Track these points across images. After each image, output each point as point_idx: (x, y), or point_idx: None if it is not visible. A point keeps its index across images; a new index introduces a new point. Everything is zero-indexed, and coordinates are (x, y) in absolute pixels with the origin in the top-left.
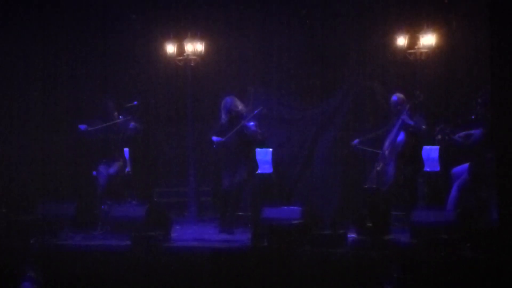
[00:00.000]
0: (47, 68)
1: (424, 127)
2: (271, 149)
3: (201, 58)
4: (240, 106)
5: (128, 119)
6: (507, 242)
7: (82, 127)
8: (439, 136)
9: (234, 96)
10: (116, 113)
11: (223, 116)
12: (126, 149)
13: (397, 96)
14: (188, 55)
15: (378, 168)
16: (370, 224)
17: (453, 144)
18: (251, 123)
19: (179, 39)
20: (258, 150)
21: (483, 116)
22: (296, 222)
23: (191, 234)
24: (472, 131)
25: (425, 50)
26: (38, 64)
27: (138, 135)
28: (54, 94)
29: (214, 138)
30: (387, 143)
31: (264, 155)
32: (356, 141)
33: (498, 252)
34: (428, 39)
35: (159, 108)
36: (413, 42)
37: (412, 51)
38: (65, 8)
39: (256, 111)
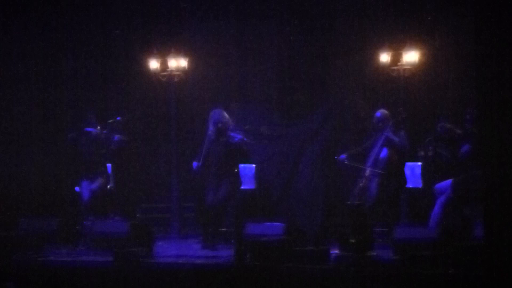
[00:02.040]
0: (31, 85)
1: (407, 144)
2: (254, 165)
3: (184, 74)
4: (227, 118)
5: (112, 131)
6: (492, 259)
7: (89, 129)
8: (422, 153)
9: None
10: (98, 128)
11: (211, 127)
12: (109, 165)
13: (380, 113)
14: (171, 70)
15: (361, 184)
16: (353, 240)
17: (439, 158)
18: (238, 133)
19: (163, 55)
20: (241, 165)
21: (471, 132)
22: (279, 238)
23: (174, 250)
24: (461, 147)
25: (408, 67)
26: (24, 80)
27: (122, 149)
28: (37, 110)
29: (195, 163)
30: (370, 160)
31: (247, 171)
32: (342, 156)
33: (482, 269)
34: (411, 56)
35: (142, 124)
36: (396, 59)
37: (395, 67)
38: (50, 25)
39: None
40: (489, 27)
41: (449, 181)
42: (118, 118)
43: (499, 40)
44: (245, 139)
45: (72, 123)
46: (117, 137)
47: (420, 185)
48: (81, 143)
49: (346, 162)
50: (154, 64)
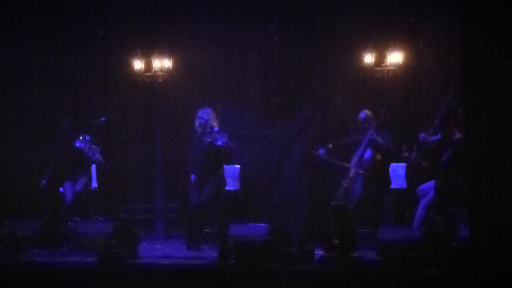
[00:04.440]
0: (14, 86)
1: (391, 144)
2: (238, 166)
3: (168, 74)
4: (209, 116)
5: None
6: (478, 260)
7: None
8: (406, 154)
9: (211, 109)
10: (74, 131)
11: (195, 122)
12: (93, 166)
13: (364, 113)
14: (155, 71)
15: (345, 185)
16: (337, 241)
17: (419, 167)
18: (224, 137)
19: (147, 55)
20: (225, 166)
21: (451, 139)
22: (263, 239)
23: (158, 251)
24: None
25: (392, 68)
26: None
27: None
28: (19, 111)
29: (193, 176)
30: (354, 160)
31: (231, 172)
32: (321, 150)
33: (467, 270)
34: (395, 57)
35: (126, 124)
36: (380, 59)
37: (379, 68)
38: (32, 26)
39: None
40: (475, 28)
41: (432, 183)
42: (102, 119)
43: (485, 40)
44: (230, 143)
45: (53, 128)
46: (98, 157)
47: (404, 186)
48: (65, 148)
49: (324, 157)
50: (138, 64)
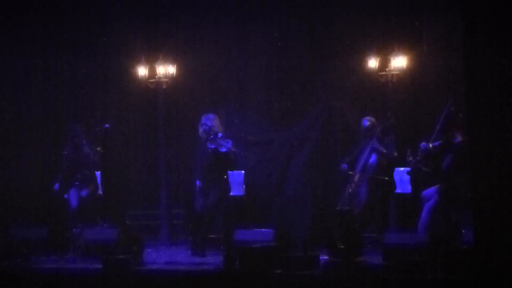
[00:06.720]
0: (16, 91)
1: (395, 153)
2: (243, 171)
3: (172, 81)
4: (213, 123)
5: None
6: (482, 263)
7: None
8: (411, 158)
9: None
10: (83, 137)
11: (199, 128)
12: (98, 172)
13: (367, 121)
14: (159, 77)
15: (350, 190)
16: (342, 246)
17: (420, 173)
18: (228, 143)
19: (151, 62)
20: (230, 172)
21: (451, 145)
22: (268, 244)
23: (163, 257)
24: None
25: (396, 72)
26: (8, 89)
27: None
28: (23, 117)
29: (198, 182)
30: (359, 165)
31: (236, 177)
32: (344, 165)
33: (472, 273)
34: (399, 62)
35: (131, 131)
36: (384, 64)
37: (383, 73)
38: (36, 31)
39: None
40: (478, 32)
41: (436, 187)
42: (107, 126)
43: (488, 45)
44: (234, 149)
45: (57, 134)
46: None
47: (409, 191)
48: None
49: (350, 172)
50: (142, 71)
